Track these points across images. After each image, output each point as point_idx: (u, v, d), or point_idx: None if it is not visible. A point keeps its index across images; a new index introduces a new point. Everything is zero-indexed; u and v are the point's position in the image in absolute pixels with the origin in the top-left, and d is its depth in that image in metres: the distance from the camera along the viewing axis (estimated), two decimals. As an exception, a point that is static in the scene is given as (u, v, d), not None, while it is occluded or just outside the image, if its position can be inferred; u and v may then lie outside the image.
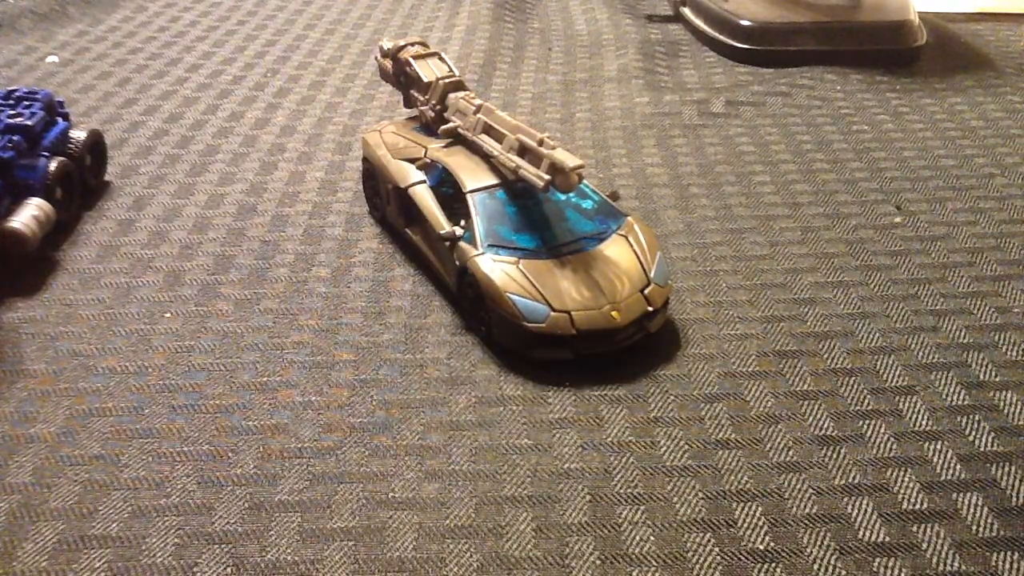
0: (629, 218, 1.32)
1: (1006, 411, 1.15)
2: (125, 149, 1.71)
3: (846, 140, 1.80)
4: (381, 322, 1.29)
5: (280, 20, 2.35)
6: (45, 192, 1.39)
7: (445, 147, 1.40)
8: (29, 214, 1.35)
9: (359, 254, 1.43)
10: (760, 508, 1.02)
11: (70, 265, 1.39)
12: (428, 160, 1.38)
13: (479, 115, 1.37)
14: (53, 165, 1.42)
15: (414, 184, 1.36)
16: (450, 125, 1.40)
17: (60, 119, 1.52)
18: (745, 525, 1.00)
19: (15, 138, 1.39)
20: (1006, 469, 1.07)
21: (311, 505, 1.02)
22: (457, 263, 1.26)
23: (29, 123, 1.42)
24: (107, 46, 2.16)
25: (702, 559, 0.96)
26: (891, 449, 1.10)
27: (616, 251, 1.26)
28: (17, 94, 1.50)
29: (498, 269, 1.22)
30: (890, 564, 0.96)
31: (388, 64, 1.56)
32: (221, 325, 1.28)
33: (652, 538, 0.98)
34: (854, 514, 1.01)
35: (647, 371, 1.21)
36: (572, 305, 1.19)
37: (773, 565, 0.96)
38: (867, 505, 1.03)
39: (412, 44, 1.53)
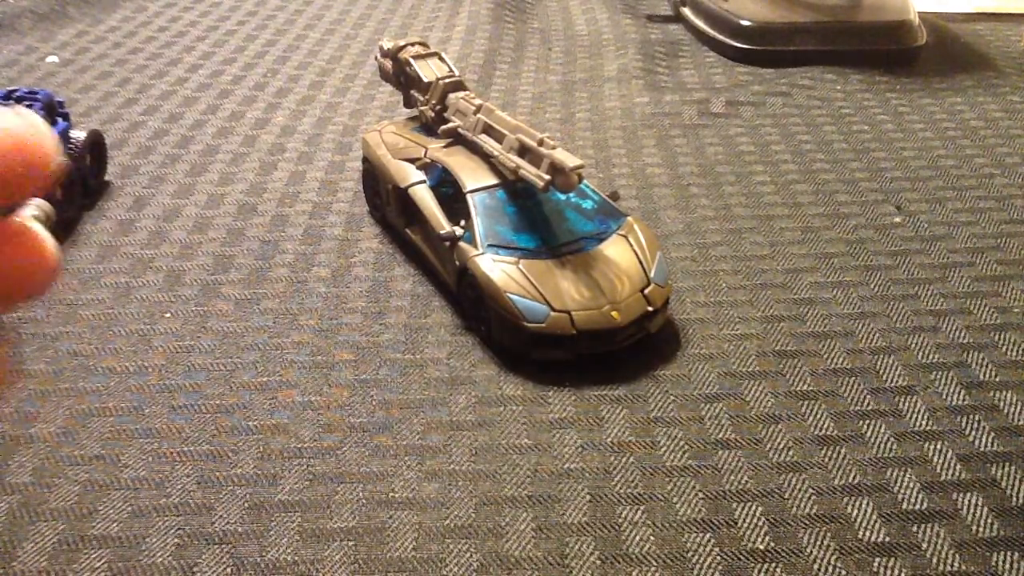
0: (629, 218, 1.32)
1: (1006, 411, 1.15)
2: (125, 149, 1.71)
3: (846, 140, 1.80)
4: (381, 322, 1.29)
5: (280, 20, 2.35)
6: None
7: (445, 147, 1.40)
8: (29, 214, 1.34)
9: (359, 254, 1.43)
10: (760, 508, 1.02)
11: (70, 265, 1.39)
12: (428, 160, 1.38)
13: (479, 115, 1.37)
14: (53, 165, 1.42)
15: (414, 184, 1.36)
16: (450, 125, 1.40)
17: (60, 119, 1.52)
18: (745, 525, 1.00)
19: (15, 138, 1.39)
20: (1006, 469, 1.07)
21: (311, 505, 1.02)
22: (457, 263, 1.26)
23: (29, 123, 1.42)
24: (107, 46, 2.16)
25: (702, 559, 0.96)
26: (891, 449, 1.10)
27: (616, 251, 1.26)
28: (17, 94, 1.50)
29: (498, 269, 1.22)
30: (890, 564, 0.96)
31: (388, 64, 1.56)
32: (221, 325, 1.28)
33: (652, 538, 0.98)
34: (854, 514, 1.01)
35: (647, 371, 1.21)
36: (572, 305, 1.19)
37: (773, 565, 0.96)
38: (867, 505, 1.02)
39: (412, 44, 1.53)
